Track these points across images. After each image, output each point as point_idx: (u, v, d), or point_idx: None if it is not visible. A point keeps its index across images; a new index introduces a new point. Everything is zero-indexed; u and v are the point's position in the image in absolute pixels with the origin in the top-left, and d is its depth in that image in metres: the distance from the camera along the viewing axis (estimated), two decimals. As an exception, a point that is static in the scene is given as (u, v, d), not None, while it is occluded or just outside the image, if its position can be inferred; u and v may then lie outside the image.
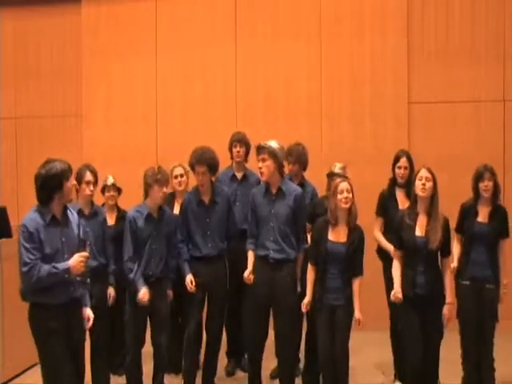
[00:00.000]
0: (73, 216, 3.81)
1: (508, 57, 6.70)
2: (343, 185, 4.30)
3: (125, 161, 7.05)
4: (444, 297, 4.26)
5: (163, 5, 7.21)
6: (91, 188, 4.67)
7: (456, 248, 4.67)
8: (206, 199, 4.87)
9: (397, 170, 4.97)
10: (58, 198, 3.65)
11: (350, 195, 4.29)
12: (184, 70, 7.17)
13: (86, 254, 3.61)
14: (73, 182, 3.79)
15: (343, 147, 6.81)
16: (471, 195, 4.66)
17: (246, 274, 4.59)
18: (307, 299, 4.40)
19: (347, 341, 4.31)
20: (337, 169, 4.86)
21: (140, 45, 7.25)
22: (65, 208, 3.75)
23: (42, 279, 3.51)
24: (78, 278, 3.61)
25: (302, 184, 5.12)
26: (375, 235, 4.97)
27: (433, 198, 4.24)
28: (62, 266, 3.55)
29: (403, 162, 4.94)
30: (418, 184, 4.24)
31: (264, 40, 7.04)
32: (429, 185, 4.22)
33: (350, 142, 6.85)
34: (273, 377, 5.23)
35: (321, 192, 5.21)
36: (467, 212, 4.63)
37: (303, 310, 4.41)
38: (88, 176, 4.67)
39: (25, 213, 3.68)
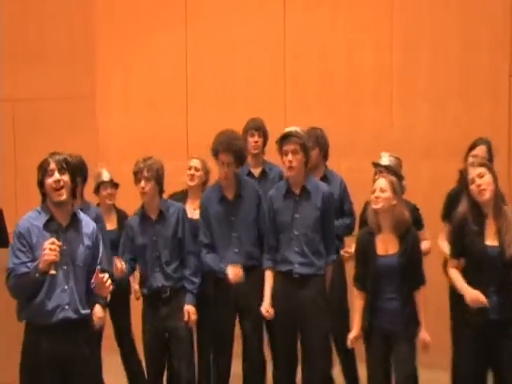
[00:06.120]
0: None
1: None
2: (378, 182, 4.00)
3: (148, 152, 5.89)
4: None
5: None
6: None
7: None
8: (230, 195, 4.47)
9: (470, 160, 4.36)
10: None
11: (385, 194, 3.89)
12: (220, 46, 6.55)
13: (51, 240, 3.24)
14: None
15: (417, 135, 5.99)
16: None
17: (264, 307, 4.20)
18: (354, 333, 3.95)
19: (415, 374, 3.94)
20: (383, 160, 4.51)
21: (167, 16, 6.70)
22: None
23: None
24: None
25: (325, 176, 4.73)
26: (439, 245, 4.53)
27: (496, 197, 3.78)
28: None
29: (480, 150, 4.47)
30: (473, 188, 3.74)
31: (319, 5, 6.16)
32: (486, 179, 3.73)
33: (426, 130, 5.98)
34: None
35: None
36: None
37: (349, 345, 4.00)
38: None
39: (24, 215, 3.46)
